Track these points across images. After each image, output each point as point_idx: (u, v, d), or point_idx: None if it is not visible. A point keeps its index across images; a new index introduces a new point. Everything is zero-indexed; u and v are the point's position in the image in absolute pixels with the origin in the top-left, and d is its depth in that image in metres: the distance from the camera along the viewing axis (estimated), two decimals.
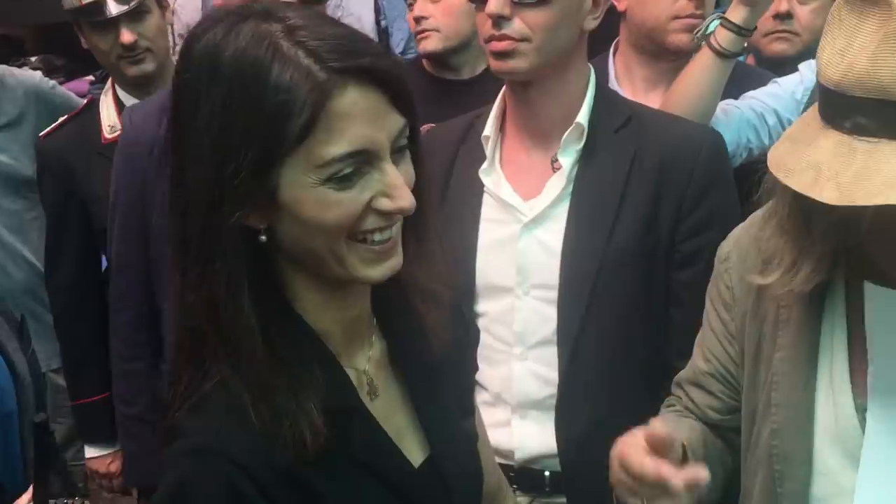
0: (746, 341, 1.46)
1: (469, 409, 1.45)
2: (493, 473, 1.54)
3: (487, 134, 1.90)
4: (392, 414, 1.28)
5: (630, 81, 2.46)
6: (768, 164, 1.25)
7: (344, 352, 1.24)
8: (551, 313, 1.84)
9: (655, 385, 1.87)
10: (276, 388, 1.12)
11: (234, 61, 1.08)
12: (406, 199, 1.13)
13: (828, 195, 1.15)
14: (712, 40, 2.13)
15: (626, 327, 1.86)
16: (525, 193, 1.89)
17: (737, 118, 2.25)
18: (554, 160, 1.88)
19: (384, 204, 1.13)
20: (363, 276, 1.17)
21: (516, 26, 1.78)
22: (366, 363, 1.27)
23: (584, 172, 1.85)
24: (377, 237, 1.15)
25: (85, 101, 2.90)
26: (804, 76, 2.32)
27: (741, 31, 2.11)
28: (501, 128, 1.94)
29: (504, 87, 1.94)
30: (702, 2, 2.30)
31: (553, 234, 1.85)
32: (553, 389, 1.87)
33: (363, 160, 1.11)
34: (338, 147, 1.08)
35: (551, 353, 1.85)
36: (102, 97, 2.76)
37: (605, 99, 1.91)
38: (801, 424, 1.35)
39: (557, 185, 1.86)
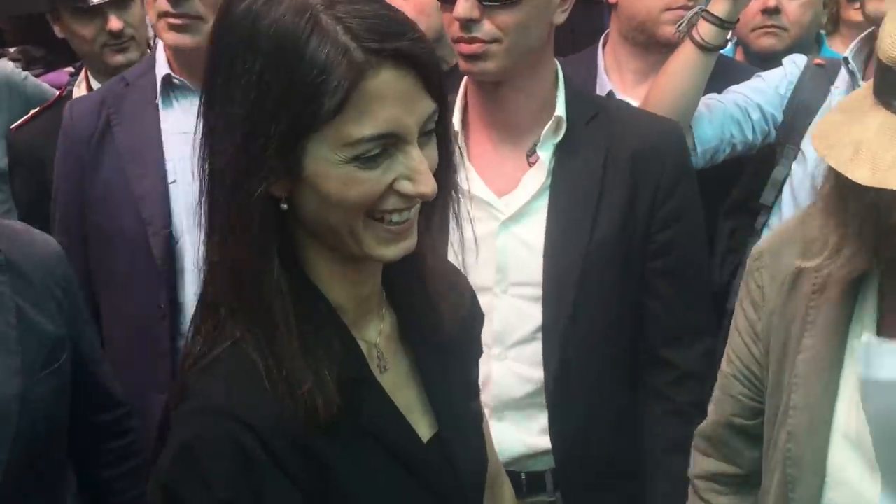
0: (773, 341, 1.43)
1: (475, 390, 1.46)
2: (493, 457, 1.53)
3: (455, 129, 1.87)
4: (401, 388, 1.28)
5: (620, 74, 2.44)
6: (814, 134, 1.22)
7: (355, 324, 1.24)
8: (532, 311, 1.83)
9: (638, 375, 1.91)
10: (293, 353, 1.13)
11: (273, 32, 1.07)
12: (429, 185, 1.13)
13: (860, 174, 1.12)
14: (694, 33, 2.11)
15: (612, 320, 1.86)
16: (498, 189, 1.86)
17: (720, 113, 2.22)
18: (530, 154, 1.85)
19: (406, 187, 1.13)
20: (377, 255, 1.17)
21: (486, 28, 1.75)
22: (376, 336, 1.28)
23: (562, 166, 1.83)
24: (395, 217, 1.15)
25: (57, 93, 2.86)
26: (788, 71, 2.30)
27: (724, 24, 2.09)
28: (463, 122, 1.91)
29: (465, 81, 1.91)
30: None
31: (532, 230, 1.83)
32: (533, 387, 1.85)
33: (391, 142, 1.11)
34: (368, 128, 1.08)
35: (532, 351, 1.84)
36: (75, 89, 2.72)
37: (575, 92, 1.90)
38: (816, 429, 1.32)
39: (536, 179, 1.84)
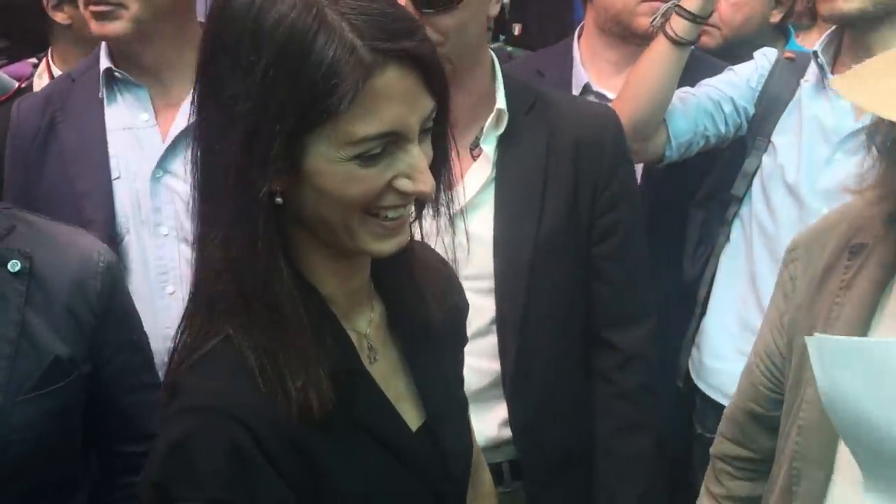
0: (797, 335, 1.42)
1: (460, 378, 1.47)
2: (475, 443, 1.55)
3: None
4: (391, 378, 1.28)
5: (595, 65, 2.45)
6: (845, 90, 1.19)
7: (345, 316, 1.24)
8: (485, 303, 1.83)
9: (588, 360, 1.94)
10: (288, 350, 1.12)
11: (279, 28, 1.06)
12: (428, 184, 1.14)
13: None
14: (667, 28, 2.14)
15: (565, 308, 1.89)
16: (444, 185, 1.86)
17: (694, 106, 2.26)
18: (473, 148, 1.86)
19: (406, 185, 1.13)
20: (371, 250, 1.18)
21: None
22: (366, 327, 1.28)
23: (506, 157, 1.85)
24: (391, 214, 1.15)
25: (17, 84, 2.79)
26: (759, 64, 2.34)
27: (696, 18, 2.12)
28: None
29: None
30: None
31: (480, 223, 1.83)
32: (490, 379, 1.86)
33: (392, 140, 1.11)
34: (371, 127, 1.08)
35: (487, 344, 1.84)
36: (36, 79, 2.63)
37: (512, 82, 1.90)
38: (826, 425, 1.30)
39: (481, 173, 1.85)
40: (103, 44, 2.08)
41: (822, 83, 2.22)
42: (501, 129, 1.85)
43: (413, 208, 1.19)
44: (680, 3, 2.14)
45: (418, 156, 1.13)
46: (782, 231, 2.18)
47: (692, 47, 2.20)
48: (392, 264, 1.28)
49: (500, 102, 1.85)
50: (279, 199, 1.12)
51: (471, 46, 1.80)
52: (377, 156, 1.10)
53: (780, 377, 1.49)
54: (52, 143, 2.05)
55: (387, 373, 1.28)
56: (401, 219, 1.17)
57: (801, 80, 2.27)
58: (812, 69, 2.27)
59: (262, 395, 1.11)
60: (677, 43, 2.13)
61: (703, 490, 1.69)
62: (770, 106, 2.28)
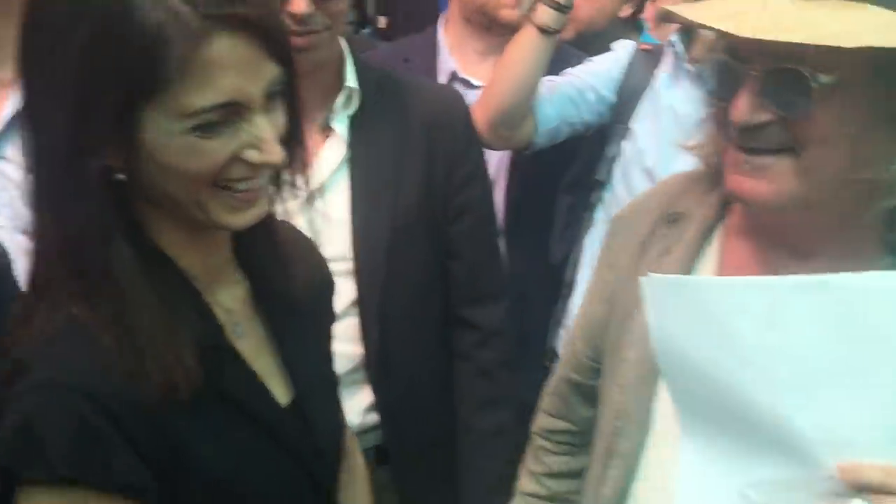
0: (619, 303, 1.44)
1: (329, 355, 1.45)
2: (346, 425, 1.54)
3: None
4: (258, 354, 1.26)
5: (462, 53, 2.49)
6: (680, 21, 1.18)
7: (209, 290, 1.21)
8: (346, 285, 1.80)
9: (449, 338, 1.95)
10: (143, 327, 1.09)
11: None
12: (275, 154, 1.10)
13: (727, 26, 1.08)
14: (534, 17, 2.20)
15: (424, 287, 1.90)
16: None
17: (559, 94, 2.34)
18: (325, 127, 1.84)
19: (253, 156, 1.10)
20: (224, 223, 1.14)
21: (320, 18, 1.74)
22: (231, 302, 1.25)
23: (359, 137, 1.84)
24: (241, 186, 1.12)
25: None
26: (619, 55, 2.44)
27: (562, 7, 2.18)
28: None
29: None
30: None
31: (336, 204, 1.82)
32: (353, 363, 1.84)
33: (232, 111, 1.07)
34: (205, 98, 1.04)
35: (349, 326, 1.82)
36: None
37: (360, 62, 1.91)
38: (644, 380, 1.33)
39: (335, 153, 1.83)
40: None
41: (678, 71, 2.34)
42: (353, 109, 1.84)
43: (265, 180, 1.16)
44: None
45: (263, 126, 1.09)
46: None
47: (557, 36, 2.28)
48: (255, 239, 1.26)
49: (351, 81, 1.84)
50: (121, 176, 1.08)
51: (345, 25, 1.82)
52: (218, 127, 1.06)
53: (600, 345, 1.49)
54: None
55: (253, 349, 1.26)
56: (252, 190, 1.13)
57: (657, 71, 2.39)
58: (668, 59, 2.39)
59: (117, 374, 1.06)
60: (544, 32, 2.19)
61: (522, 471, 1.68)
62: (629, 94, 2.38)
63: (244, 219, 1.15)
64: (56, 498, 1.05)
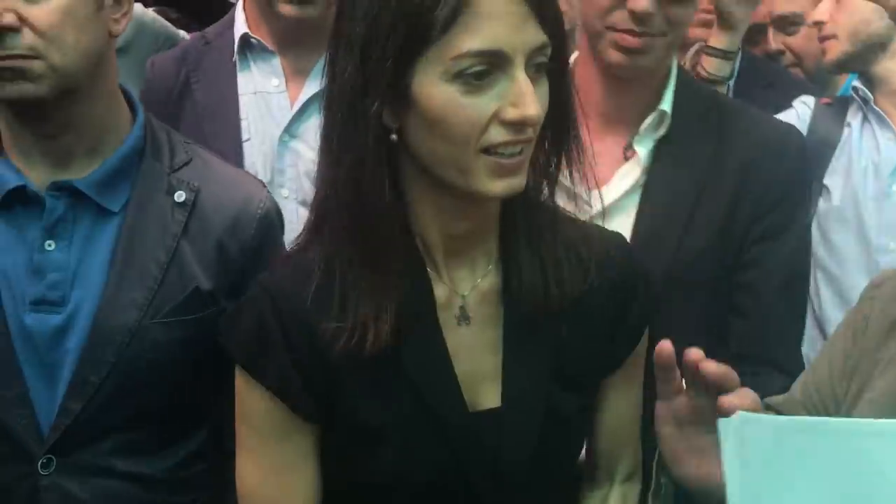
0: (856, 376, 1.27)
1: (571, 385, 1.28)
2: (621, 457, 1.40)
3: None
4: (478, 350, 1.25)
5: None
6: None
7: (445, 268, 1.25)
8: None
9: None
10: (367, 278, 1.18)
11: None
12: (532, 108, 1.12)
13: None
14: (700, 69, 2.19)
15: (690, 337, 1.66)
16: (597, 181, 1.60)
17: None
18: (628, 147, 1.73)
19: (510, 112, 1.13)
20: (483, 189, 1.16)
21: (659, 22, 1.66)
22: (468, 288, 1.26)
23: (660, 164, 1.71)
24: (506, 151, 1.15)
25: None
26: (800, 112, 2.36)
27: (726, 55, 2.18)
28: None
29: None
30: None
31: (619, 229, 1.58)
32: None
33: (496, 62, 1.12)
34: (474, 42, 1.11)
35: None
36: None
37: (685, 85, 1.78)
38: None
39: (630, 175, 1.72)
40: (238, 8, 2.14)
41: (867, 118, 2.27)
42: (661, 133, 1.72)
43: (529, 150, 1.17)
44: (708, 43, 2.20)
45: (523, 81, 1.12)
46: (848, 271, 2.19)
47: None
48: (521, 239, 1.25)
49: (666, 104, 1.72)
50: (393, 137, 1.16)
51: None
52: (480, 76, 1.12)
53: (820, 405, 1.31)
54: (187, 101, 2.09)
55: (473, 343, 1.24)
56: (517, 157, 1.16)
57: (845, 124, 2.31)
58: (853, 109, 2.31)
59: (317, 302, 1.19)
60: (714, 81, 2.17)
61: None
62: (817, 150, 2.31)
63: (501, 186, 1.17)
64: (242, 376, 1.26)
